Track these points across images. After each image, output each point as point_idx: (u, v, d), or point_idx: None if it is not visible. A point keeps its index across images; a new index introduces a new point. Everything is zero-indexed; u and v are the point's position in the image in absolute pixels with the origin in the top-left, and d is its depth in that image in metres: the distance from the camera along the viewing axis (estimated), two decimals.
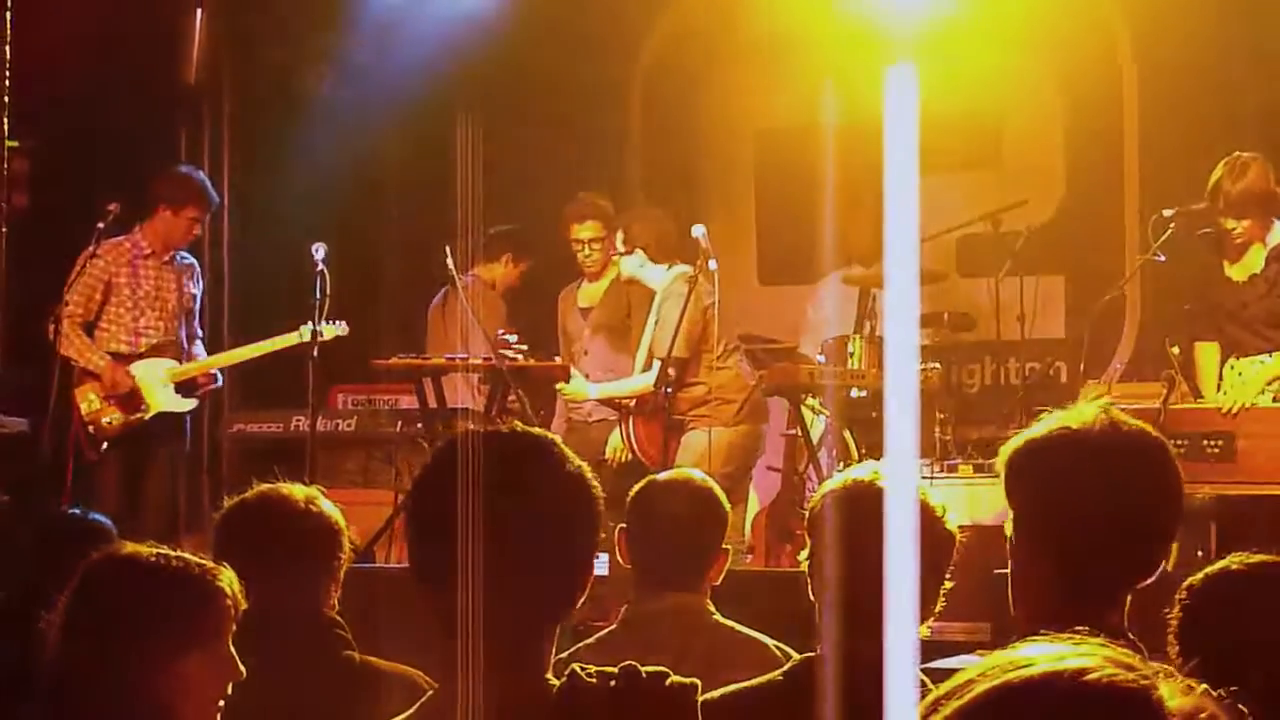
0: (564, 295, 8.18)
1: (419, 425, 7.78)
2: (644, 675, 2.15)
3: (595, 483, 2.19)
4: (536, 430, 2.21)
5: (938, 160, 9.28)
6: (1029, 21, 9.37)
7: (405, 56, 9.20)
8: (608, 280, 7.90)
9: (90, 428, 7.72)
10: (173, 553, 2.64)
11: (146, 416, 7.84)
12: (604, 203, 7.96)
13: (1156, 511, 2.47)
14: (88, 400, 7.73)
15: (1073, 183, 9.37)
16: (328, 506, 3.34)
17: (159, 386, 7.88)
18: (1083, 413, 2.47)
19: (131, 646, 2.51)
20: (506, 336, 7.50)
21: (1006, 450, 2.55)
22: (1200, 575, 2.70)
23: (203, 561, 2.65)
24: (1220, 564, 2.70)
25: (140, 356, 7.88)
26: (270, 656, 2.96)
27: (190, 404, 8.01)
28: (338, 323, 7.68)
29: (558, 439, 2.22)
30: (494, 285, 8.39)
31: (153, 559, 2.60)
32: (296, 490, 3.33)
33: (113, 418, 7.77)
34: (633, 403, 7.44)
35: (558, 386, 7.70)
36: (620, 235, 7.61)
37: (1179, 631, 2.61)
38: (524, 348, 7.47)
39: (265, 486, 3.33)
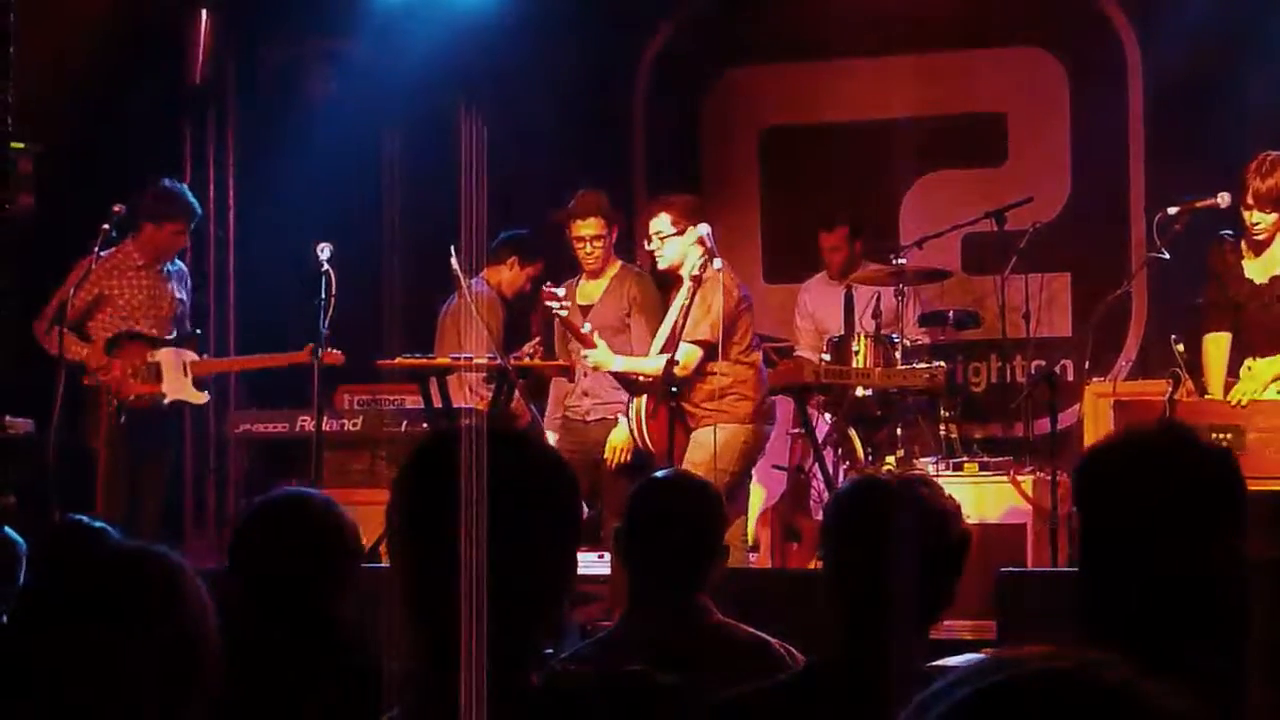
0: (563, 291, 8.12)
1: (424, 425, 7.78)
2: (626, 674, 2.11)
3: (571, 473, 2.14)
4: (510, 426, 2.19)
5: (943, 157, 9.29)
6: (1035, 19, 9.37)
7: (408, 55, 9.20)
8: (607, 278, 7.83)
9: (114, 390, 7.85)
10: (153, 548, 2.61)
11: (165, 401, 8.01)
12: (604, 199, 7.91)
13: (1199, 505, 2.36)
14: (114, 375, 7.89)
15: (1078, 180, 9.36)
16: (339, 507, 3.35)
17: (179, 375, 8.06)
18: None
19: (98, 638, 2.48)
20: (532, 347, 7.54)
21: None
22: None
23: (169, 554, 2.62)
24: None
25: (162, 343, 8.05)
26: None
27: (204, 397, 8.21)
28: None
29: (530, 430, 2.19)
30: (500, 288, 8.34)
31: (129, 554, 2.58)
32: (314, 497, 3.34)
33: (137, 395, 7.92)
34: (649, 381, 7.21)
35: (583, 353, 7.42)
36: (667, 217, 7.25)
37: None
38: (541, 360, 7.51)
39: None
